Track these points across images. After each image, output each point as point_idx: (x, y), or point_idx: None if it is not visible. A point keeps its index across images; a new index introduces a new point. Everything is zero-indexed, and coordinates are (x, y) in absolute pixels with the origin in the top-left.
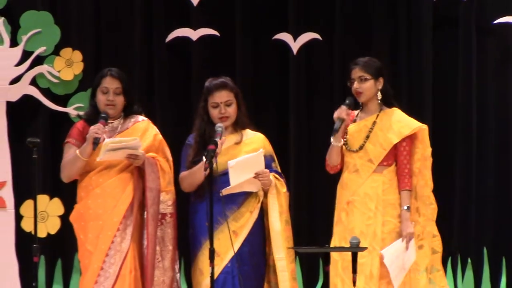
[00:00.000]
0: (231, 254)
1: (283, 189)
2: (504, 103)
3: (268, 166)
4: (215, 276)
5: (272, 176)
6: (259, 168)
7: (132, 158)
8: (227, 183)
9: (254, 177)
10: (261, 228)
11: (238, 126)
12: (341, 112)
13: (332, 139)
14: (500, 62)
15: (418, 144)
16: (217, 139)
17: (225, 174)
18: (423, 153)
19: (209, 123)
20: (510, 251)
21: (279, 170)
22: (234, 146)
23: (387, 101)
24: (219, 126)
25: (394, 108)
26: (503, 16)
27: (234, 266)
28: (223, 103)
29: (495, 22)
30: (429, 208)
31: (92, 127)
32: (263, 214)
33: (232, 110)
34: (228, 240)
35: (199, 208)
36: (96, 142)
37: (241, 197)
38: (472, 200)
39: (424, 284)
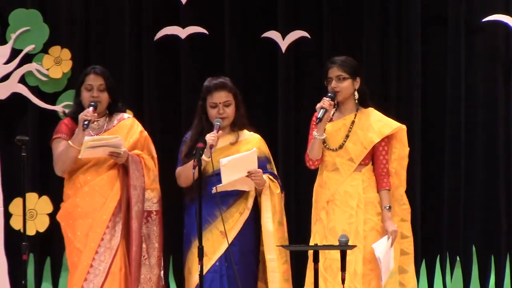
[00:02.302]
0: (219, 253)
1: (277, 190)
2: (493, 102)
3: (263, 167)
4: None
5: (266, 177)
6: (252, 167)
7: (115, 156)
8: (220, 182)
9: (247, 176)
10: (253, 228)
11: (235, 127)
12: (324, 102)
13: (315, 132)
14: (488, 61)
15: (396, 144)
16: (214, 133)
17: (219, 174)
18: (401, 153)
19: (207, 122)
20: (498, 249)
21: (275, 172)
22: (230, 146)
23: (363, 101)
24: (218, 120)
25: (370, 108)
26: (492, 14)
27: (223, 265)
28: (221, 103)
29: (483, 20)
30: (401, 208)
31: (81, 113)
32: (256, 214)
33: (230, 111)
34: (216, 240)
35: (190, 209)
36: (86, 125)
37: (231, 198)
38: (461, 198)
39: (394, 286)
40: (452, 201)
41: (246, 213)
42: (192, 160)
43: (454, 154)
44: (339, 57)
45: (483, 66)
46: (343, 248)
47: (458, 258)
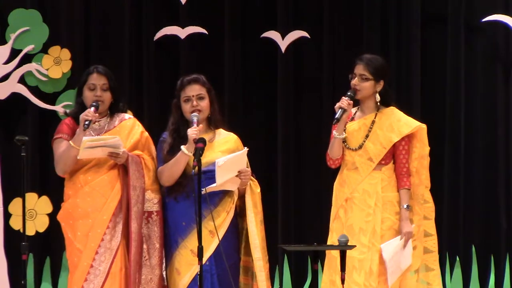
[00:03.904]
0: (209, 253)
1: (257, 189)
2: (492, 101)
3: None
4: (193, 275)
5: None
6: (242, 166)
7: (114, 157)
8: (206, 181)
9: (237, 176)
10: (236, 227)
11: (211, 124)
12: (342, 102)
13: (334, 131)
14: (488, 60)
15: (416, 143)
16: (194, 127)
17: (204, 172)
18: (421, 152)
19: (182, 119)
20: (498, 249)
21: (251, 171)
22: (208, 144)
23: (385, 102)
24: (194, 115)
25: (392, 107)
26: (492, 14)
27: (212, 265)
28: (194, 96)
29: (483, 20)
30: (423, 207)
31: (82, 113)
32: (236, 213)
33: (204, 104)
34: (206, 240)
35: (174, 208)
36: (87, 125)
37: (218, 197)
38: (460, 198)
39: (413, 285)
40: (451, 201)
41: (232, 212)
42: (175, 157)
43: (453, 154)
44: (369, 55)
45: (483, 66)
46: (343, 248)
47: (457, 258)
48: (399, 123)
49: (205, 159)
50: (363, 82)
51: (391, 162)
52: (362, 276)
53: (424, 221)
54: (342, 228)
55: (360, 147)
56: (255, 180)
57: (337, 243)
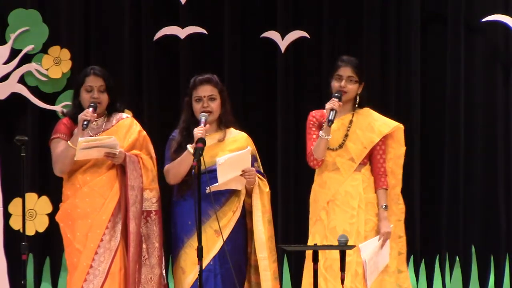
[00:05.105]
0: (213, 252)
1: (266, 188)
2: (492, 102)
3: (251, 165)
4: (197, 275)
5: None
6: (246, 165)
7: (110, 157)
8: (212, 180)
9: (241, 175)
10: (243, 227)
11: (222, 124)
12: (333, 103)
13: (322, 132)
14: (488, 60)
15: (392, 144)
16: (201, 126)
17: (210, 171)
18: (396, 152)
19: (192, 117)
20: (498, 249)
21: (262, 170)
22: (217, 143)
23: (360, 105)
24: (203, 114)
25: (366, 108)
26: (492, 14)
27: (216, 264)
28: (206, 97)
29: (483, 20)
30: (398, 208)
31: (81, 113)
32: (245, 213)
33: (215, 106)
34: (210, 239)
35: (181, 207)
36: (86, 125)
37: (224, 197)
38: (460, 198)
39: (393, 286)
40: (451, 201)
41: (239, 212)
42: (181, 156)
43: (453, 154)
44: (352, 58)
45: (483, 66)
46: (343, 248)
47: (457, 258)
48: (378, 123)
49: (213, 158)
50: (352, 84)
51: (369, 163)
52: (349, 278)
53: (398, 222)
54: (324, 230)
55: (341, 146)
56: (265, 180)
57: None
